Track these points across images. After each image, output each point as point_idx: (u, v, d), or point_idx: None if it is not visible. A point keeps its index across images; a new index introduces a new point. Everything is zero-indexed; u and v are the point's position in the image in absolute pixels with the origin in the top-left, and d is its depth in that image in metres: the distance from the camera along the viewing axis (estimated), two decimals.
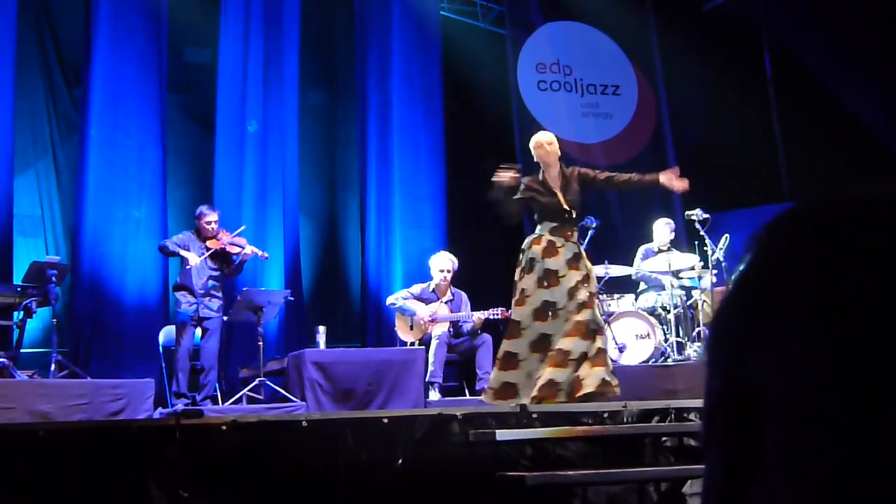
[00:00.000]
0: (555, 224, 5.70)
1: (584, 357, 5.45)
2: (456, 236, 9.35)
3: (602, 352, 5.54)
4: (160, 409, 6.13)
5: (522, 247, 5.80)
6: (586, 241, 6.71)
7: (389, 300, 7.89)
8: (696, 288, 7.93)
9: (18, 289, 6.91)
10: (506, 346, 5.65)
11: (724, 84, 9.78)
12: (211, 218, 7.37)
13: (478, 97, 10.17)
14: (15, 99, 7.94)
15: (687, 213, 7.75)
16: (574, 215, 5.76)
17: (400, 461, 4.53)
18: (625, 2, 10.34)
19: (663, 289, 7.97)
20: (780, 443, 0.59)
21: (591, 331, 5.51)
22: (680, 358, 7.43)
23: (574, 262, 5.66)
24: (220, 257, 7.42)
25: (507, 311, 6.66)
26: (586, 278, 5.67)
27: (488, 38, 10.48)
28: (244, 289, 7.48)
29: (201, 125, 9.24)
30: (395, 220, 9.33)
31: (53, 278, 6.85)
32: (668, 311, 7.75)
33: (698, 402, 5.10)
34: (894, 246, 0.57)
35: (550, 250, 5.64)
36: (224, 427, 4.40)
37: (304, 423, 4.53)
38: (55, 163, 8.78)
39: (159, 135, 8.44)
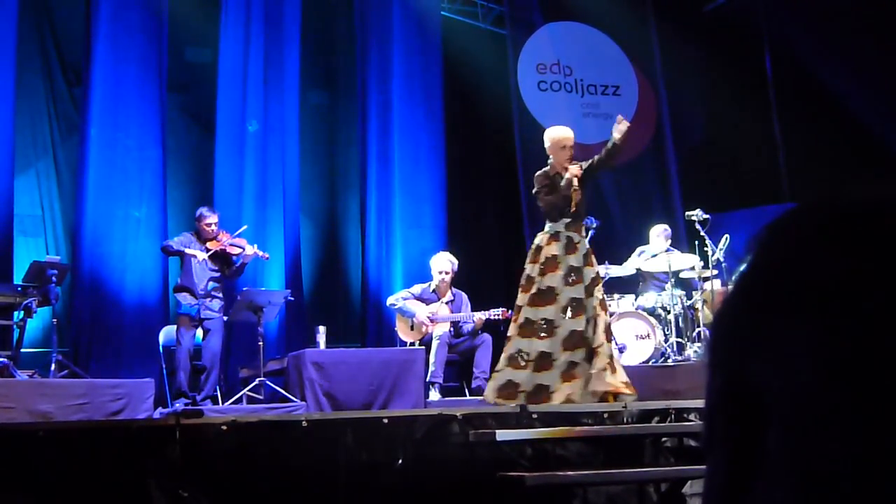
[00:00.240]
0: (569, 220, 5.77)
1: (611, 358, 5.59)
2: (456, 236, 9.34)
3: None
4: (160, 409, 6.13)
5: (538, 243, 5.81)
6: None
7: (390, 300, 7.88)
8: (696, 289, 7.94)
9: (19, 288, 6.91)
10: (538, 346, 5.57)
11: (724, 84, 9.77)
12: (211, 220, 7.35)
13: (478, 97, 10.16)
14: (15, 99, 7.94)
15: (687, 213, 7.75)
16: (583, 212, 5.87)
17: (400, 461, 4.53)
18: (625, 2, 10.33)
19: (663, 289, 7.97)
20: (781, 442, 0.59)
21: (611, 332, 5.69)
22: (680, 358, 7.43)
23: (588, 258, 5.76)
24: (221, 259, 7.41)
25: (508, 311, 6.66)
26: (598, 276, 5.82)
27: (489, 39, 10.48)
28: (244, 289, 7.47)
29: (201, 125, 9.23)
30: (396, 221, 9.32)
31: (54, 278, 6.85)
32: (669, 312, 7.75)
33: (698, 403, 5.11)
34: (894, 247, 0.58)
35: (571, 247, 5.71)
36: (224, 427, 4.40)
37: (304, 423, 4.53)
38: (55, 162, 8.78)
39: (159, 135, 8.43)
